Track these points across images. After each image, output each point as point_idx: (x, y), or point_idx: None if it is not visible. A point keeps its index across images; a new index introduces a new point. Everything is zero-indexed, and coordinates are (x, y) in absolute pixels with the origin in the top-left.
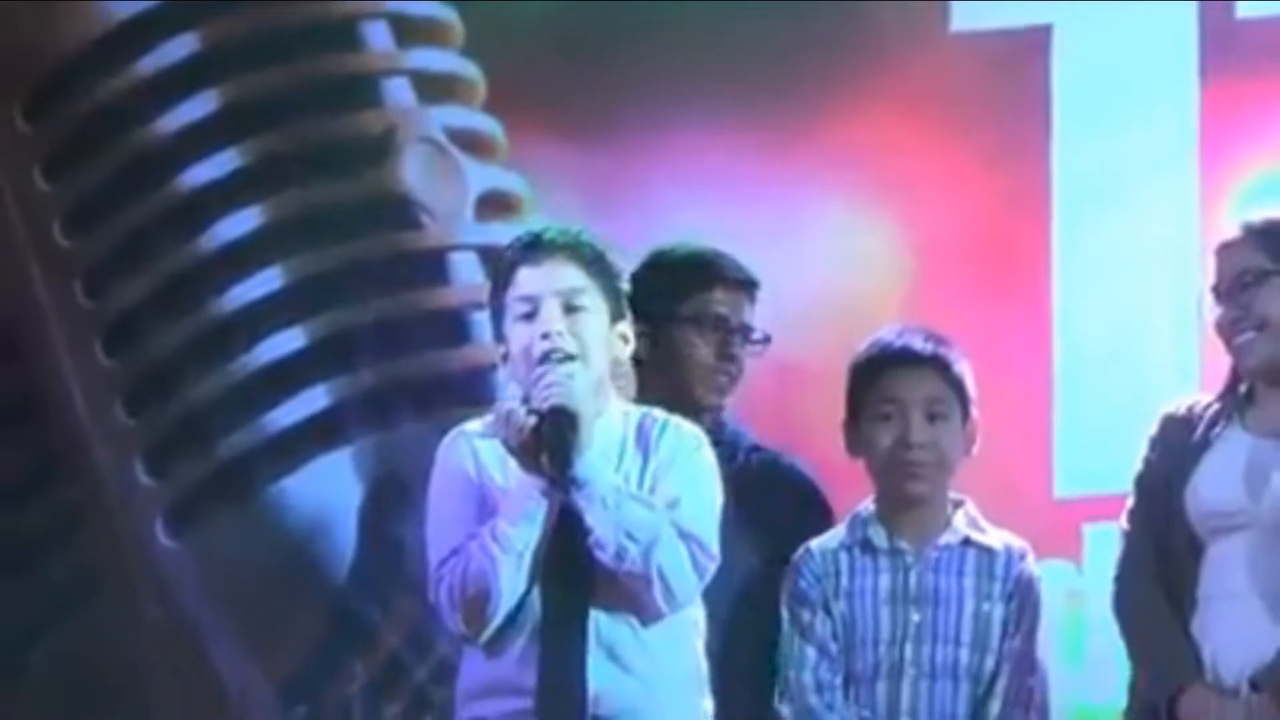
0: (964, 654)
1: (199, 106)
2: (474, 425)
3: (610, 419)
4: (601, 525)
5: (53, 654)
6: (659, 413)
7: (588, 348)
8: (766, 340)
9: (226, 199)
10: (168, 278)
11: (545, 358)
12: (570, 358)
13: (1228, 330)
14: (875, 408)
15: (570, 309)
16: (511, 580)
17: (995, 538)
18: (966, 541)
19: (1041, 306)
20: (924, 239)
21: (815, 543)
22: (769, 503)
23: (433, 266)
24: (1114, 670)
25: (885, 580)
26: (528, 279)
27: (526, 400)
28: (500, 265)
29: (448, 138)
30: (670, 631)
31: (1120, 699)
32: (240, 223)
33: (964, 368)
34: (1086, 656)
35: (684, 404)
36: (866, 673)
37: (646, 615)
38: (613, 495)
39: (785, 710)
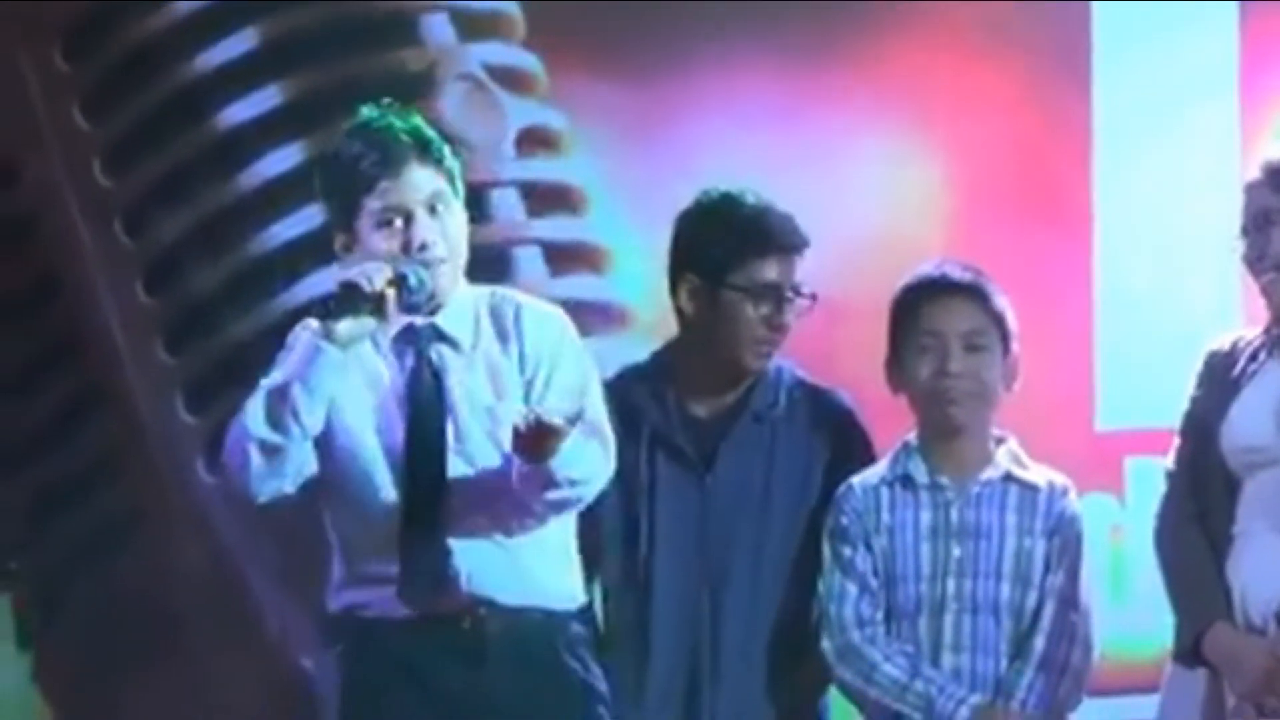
0: (1005, 589)
1: (238, 44)
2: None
3: (462, 300)
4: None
5: (95, 591)
6: (510, 292)
7: (454, 244)
8: (813, 298)
9: (266, 137)
10: (208, 216)
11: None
12: (443, 261)
13: (1253, 269)
14: (915, 340)
15: (433, 212)
16: (257, 413)
17: (1037, 474)
18: (1008, 477)
19: (1083, 239)
20: (965, 172)
21: (856, 478)
22: (816, 440)
23: (472, 203)
24: (1156, 603)
25: (926, 515)
26: (391, 190)
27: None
28: (354, 168)
29: (487, 74)
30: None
31: (1162, 631)
32: (280, 160)
33: (1004, 301)
34: (1128, 589)
35: (730, 367)
36: (908, 608)
37: (557, 511)
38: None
39: (826, 645)
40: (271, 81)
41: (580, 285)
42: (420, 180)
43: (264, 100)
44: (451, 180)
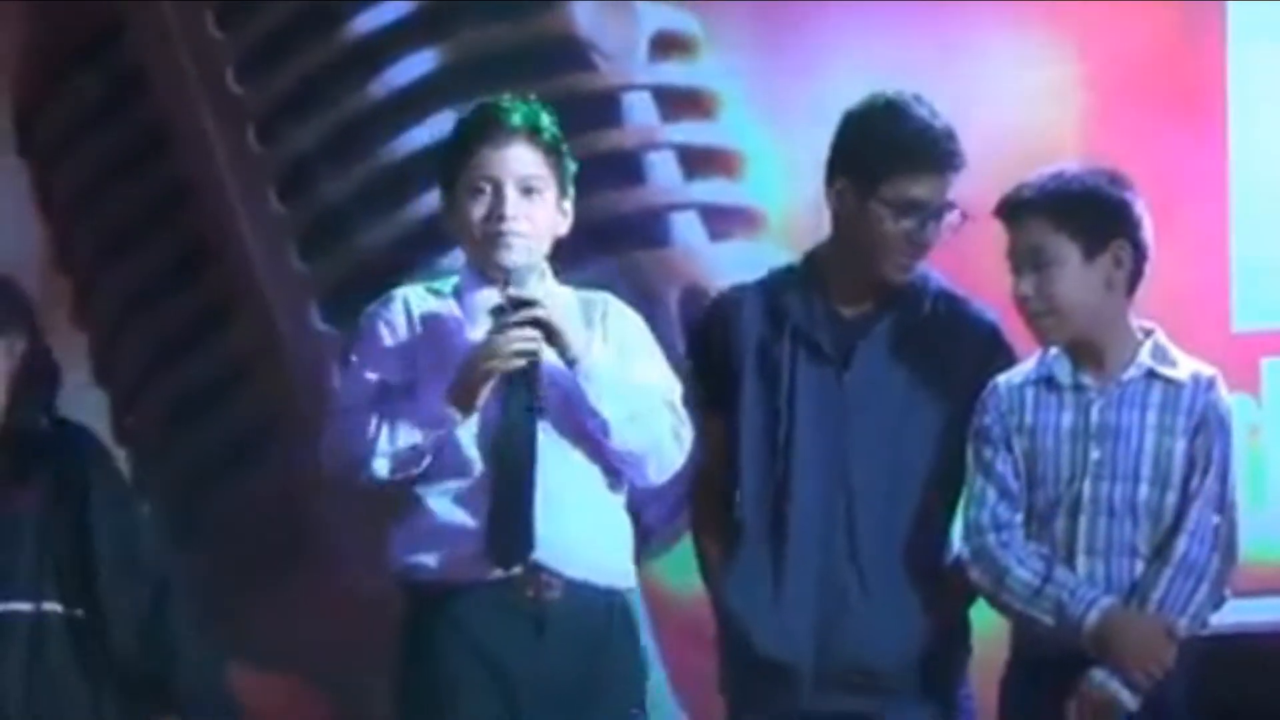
0: (1143, 490)
1: None
2: (414, 289)
3: (550, 292)
4: (607, 410)
5: (230, 501)
6: (596, 293)
7: (539, 230)
8: (964, 215)
9: (399, 43)
10: (341, 123)
11: (500, 237)
12: (519, 236)
13: None
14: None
15: (526, 191)
16: (383, 464)
17: (1183, 369)
18: (1151, 374)
19: (1217, 137)
20: (1099, 71)
21: (1002, 378)
22: (956, 351)
23: (606, 108)
24: None
25: (1068, 417)
26: (489, 160)
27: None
28: (460, 136)
29: None
30: (614, 486)
31: None
32: (413, 67)
33: (1083, 204)
34: (1267, 492)
35: (868, 275)
36: (1045, 510)
37: (635, 485)
38: (613, 387)
39: (963, 546)
40: None
41: (714, 189)
42: (522, 158)
43: (396, 7)
44: (559, 172)
